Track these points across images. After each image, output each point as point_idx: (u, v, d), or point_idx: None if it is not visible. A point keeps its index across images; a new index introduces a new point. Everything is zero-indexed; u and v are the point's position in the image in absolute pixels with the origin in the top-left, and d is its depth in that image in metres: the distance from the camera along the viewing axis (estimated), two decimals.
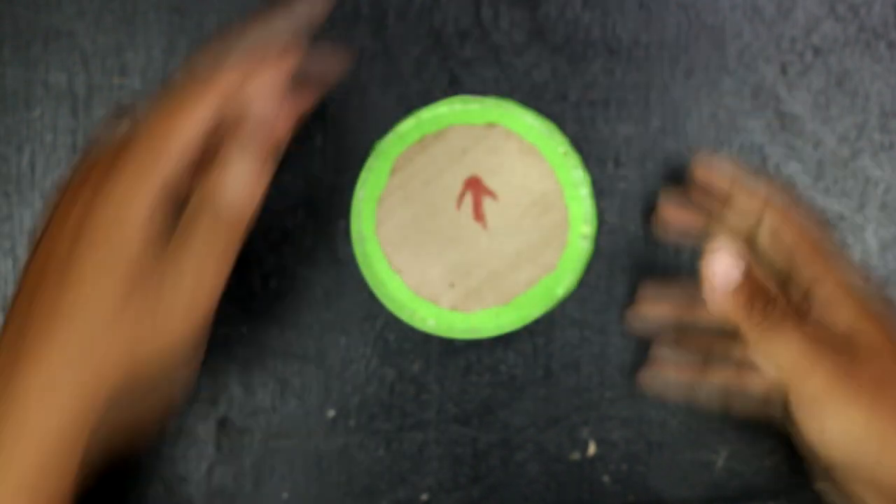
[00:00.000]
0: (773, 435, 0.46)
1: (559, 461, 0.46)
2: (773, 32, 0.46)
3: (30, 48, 0.46)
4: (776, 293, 0.38)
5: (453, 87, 0.46)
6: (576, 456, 0.46)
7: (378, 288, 0.44)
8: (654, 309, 0.43)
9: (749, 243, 0.41)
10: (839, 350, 0.37)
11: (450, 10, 0.46)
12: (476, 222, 0.44)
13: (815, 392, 0.37)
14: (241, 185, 0.35)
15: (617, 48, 0.46)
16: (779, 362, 0.37)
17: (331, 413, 0.46)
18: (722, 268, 0.35)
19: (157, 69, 0.46)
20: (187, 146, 0.35)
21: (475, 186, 0.44)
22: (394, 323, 0.46)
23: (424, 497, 0.46)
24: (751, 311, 0.36)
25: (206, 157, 0.36)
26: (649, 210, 0.46)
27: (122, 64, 0.46)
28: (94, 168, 0.36)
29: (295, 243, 0.46)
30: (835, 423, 0.36)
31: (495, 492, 0.46)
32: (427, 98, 0.46)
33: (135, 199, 0.35)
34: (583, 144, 0.46)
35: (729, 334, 0.39)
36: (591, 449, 0.46)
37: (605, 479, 0.46)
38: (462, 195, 0.44)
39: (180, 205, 0.36)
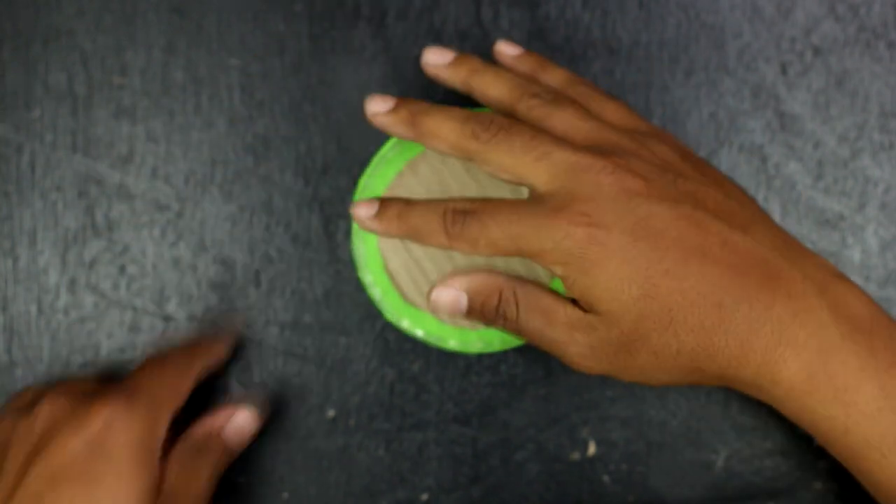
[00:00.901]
0: (773, 435, 0.46)
1: (559, 461, 0.46)
2: (773, 32, 0.46)
3: (30, 48, 0.46)
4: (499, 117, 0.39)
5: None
6: (576, 456, 0.46)
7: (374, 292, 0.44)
8: None
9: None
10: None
11: (450, 10, 0.46)
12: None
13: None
14: (240, 427, 0.44)
15: (617, 48, 0.46)
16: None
17: (331, 413, 0.46)
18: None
19: (157, 69, 0.46)
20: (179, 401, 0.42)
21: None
22: None
23: (424, 497, 0.46)
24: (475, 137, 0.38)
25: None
26: None
27: (122, 64, 0.46)
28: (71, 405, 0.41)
29: (295, 243, 0.46)
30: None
31: (495, 492, 0.46)
32: (427, 98, 0.46)
33: (155, 425, 0.40)
34: None
35: None
36: (591, 449, 0.46)
37: (605, 479, 0.46)
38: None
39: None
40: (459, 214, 0.37)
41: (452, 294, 0.38)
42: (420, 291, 0.43)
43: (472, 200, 0.38)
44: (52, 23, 0.46)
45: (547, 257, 0.37)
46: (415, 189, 0.43)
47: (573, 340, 0.37)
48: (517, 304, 0.38)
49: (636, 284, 0.36)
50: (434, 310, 0.38)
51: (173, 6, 0.46)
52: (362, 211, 0.39)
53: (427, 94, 0.46)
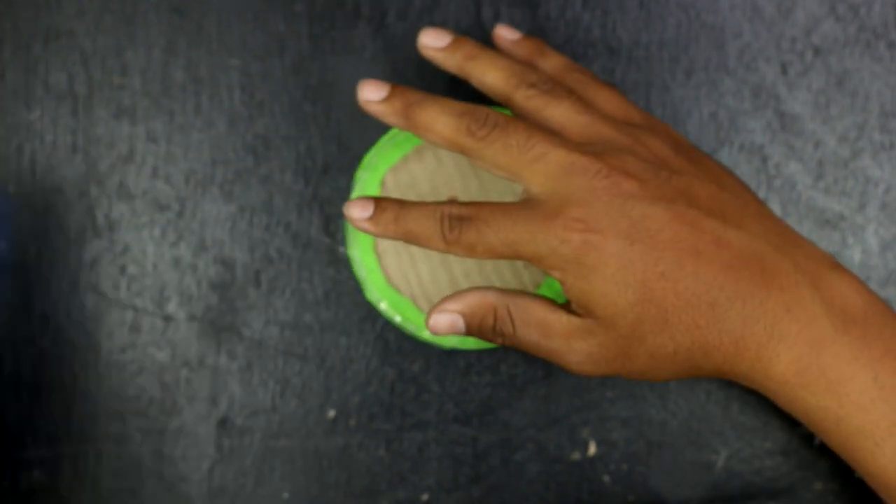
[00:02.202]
0: (774, 435, 0.46)
1: (559, 461, 0.46)
2: (773, 32, 0.46)
3: (30, 48, 0.46)
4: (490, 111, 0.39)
5: (454, 87, 0.46)
6: (576, 456, 0.46)
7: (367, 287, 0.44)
8: None
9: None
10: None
11: (450, 10, 0.46)
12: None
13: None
14: None
15: (617, 48, 0.46)
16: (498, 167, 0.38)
17: (331, 413, 0.46)
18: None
19: (157, 69, 0.46)
20: None
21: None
22: None
23: (424, 497, 0.46)
24: (468, 132, 0.38)
25: None
26: None
27: (122, 64, 0.46)
28: None
29: (295, 243, 0.46)
30: None
31: (495, 492, 0.46)
32: None
33: None
34: None
35: None
36: (591, 449, 0.46)
37: (605, 479, 0.46)
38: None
39: None
40: (456, 220, 0.37)
41: (449, 318, 0.38)
42: (404, 275, 0.43)
43: (468, 205, 0.38)
44: (52, 23, 0.46)
45: (544, 263, 0.37)
46: (417, 176, 0.43)
47: (571, 349, 0.37)
48: (512, 321, 0.38)
49: (632, 289, 0.36)
50: (434, 334, 0.38)
51: (173, 6, 0.46)
52: (356, 212, 0.39)
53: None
